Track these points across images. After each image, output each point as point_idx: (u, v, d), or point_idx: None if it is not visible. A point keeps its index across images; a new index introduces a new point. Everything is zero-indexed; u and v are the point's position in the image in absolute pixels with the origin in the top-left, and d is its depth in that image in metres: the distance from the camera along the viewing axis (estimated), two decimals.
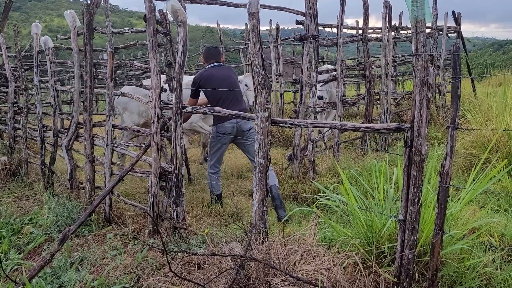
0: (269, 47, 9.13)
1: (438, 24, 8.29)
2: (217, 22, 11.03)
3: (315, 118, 5.70)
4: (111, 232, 3.86)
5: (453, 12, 8.53)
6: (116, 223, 4.07)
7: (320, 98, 6.61)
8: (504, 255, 2.96)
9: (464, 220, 3.19)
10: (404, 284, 2.49)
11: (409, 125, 2.43)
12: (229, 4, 4.37)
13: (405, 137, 2.44)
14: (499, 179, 4.30)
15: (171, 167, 3.64)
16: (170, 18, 3.62)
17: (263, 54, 2.98)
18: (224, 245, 2.95)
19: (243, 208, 4.49)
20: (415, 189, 2.42)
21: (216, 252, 2.74)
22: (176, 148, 3.57)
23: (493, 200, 4.05)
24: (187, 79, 6.19)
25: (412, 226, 2.44)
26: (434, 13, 8.07)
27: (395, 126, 2.51)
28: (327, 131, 6.12)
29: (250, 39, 2.93)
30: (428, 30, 8.24)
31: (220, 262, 2.81)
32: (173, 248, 3.28)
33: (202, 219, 4.17)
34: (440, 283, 2.66)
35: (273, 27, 9.08)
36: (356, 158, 5.73)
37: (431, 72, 2.40)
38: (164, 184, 3.86)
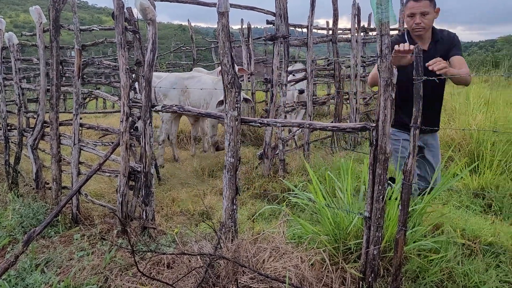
0: (241, 46, 9.17)
1: (405, 26, 8.50)
2: (188, 21, 10.95)
3: (286, 117, 5.75)
4: (79, 233, 3.80)
5: None
6: (83, 223, 4.00)
7: (302, 92, 6.70)
8: (464, 249, 3.08)
9: (428, 216, 3.30)
10: (370, 280, 2.56)
11: (374, 125, 2.49)
12: (199, 3, 4.36)
13: (371, 136, 2.50)
14: (462, 177, 4.47)
15: (140, 167, 3.61)
16: (139, 16, 3.59)
17: (233, 53, 2.99)
18: (194, 244, 2.95)
19: (214, 207, 4.49)
20: (380, 187, 2.48)
21: (185, 251, 2.74)
22: (145, 147, 3.55)
23: (455, 197, 4.20)
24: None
25: (377, 223, 2.51)
26: (401, 15, 8.26)
27: (361, 125, 2.57)
28: (297, 130, 6.19)
29: (220, 39, 2.93)
30: (395, 32, 8.43)
31: (189, 261, 2.81)
32: (141, 248, 3.25)
33: (172, 218, 4.15)
34: (404, 278, 2.74)
35: (245, 26, 9.11)
36: (325, 156, 5.83)
37: (395, 73, 2.48)
38: (133, 183, 3.83)
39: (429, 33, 3.03)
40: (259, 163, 5.51)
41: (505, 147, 4.52)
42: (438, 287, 2.73)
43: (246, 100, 5.99)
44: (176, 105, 3.47)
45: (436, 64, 2.71)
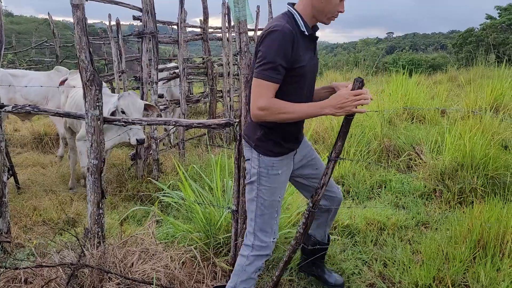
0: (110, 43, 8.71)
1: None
2: (48, 14, 10.02)
3: (160, 115, 5.61)
4: None
5: None
6: None
7: (161, 96, 6.57)
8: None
9: (295, 206, 3.51)
10: None
11: (237, 120, 2.56)
12: None
13: (234, 131, 2.57)
14: None
15: None
16: None
17: (91, 48, 2.82)
18: (55, 254, 2.72)
19: (82, 213, 4.20)
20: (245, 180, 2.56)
21: (43, 263, 2.52)
22: None
23: None
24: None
25: (244, 216, 2.58)
26: (270, 16, 8.63)
27: (225, 121, 2.62)
28: (172, 128, 6.11)
29: (76, 33, 2.74)
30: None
31: (50, 274, 2.59)
32: None
33: (32, 229, 3.78)
34: (271, 266, 2.88)
35: (113, 22, 8.67)
36: (201, 154, 5.84)
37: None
38: None
39: None
40: (132, 164, 5.30)
41: (359, 139, 5.01)
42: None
43: (145, 108, 4.42)
44: (29, 105, 3.16)
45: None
